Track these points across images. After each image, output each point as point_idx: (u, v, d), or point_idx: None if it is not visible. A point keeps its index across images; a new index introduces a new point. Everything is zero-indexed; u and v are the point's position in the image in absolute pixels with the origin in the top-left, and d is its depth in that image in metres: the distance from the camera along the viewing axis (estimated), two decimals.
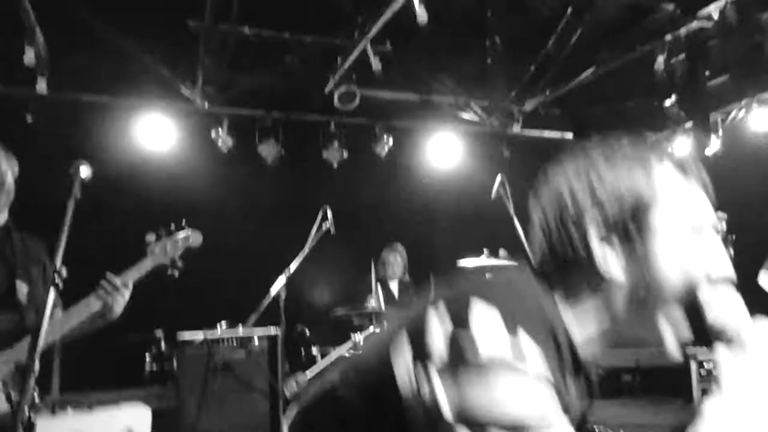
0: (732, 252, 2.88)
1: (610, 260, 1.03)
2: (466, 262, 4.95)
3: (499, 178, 4.45)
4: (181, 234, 2.56)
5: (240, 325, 4.50)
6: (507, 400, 0.88)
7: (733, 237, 2.90)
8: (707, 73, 5.53)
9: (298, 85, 5.80)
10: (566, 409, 0.94)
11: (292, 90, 5.88)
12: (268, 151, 5.78)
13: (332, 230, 4.20)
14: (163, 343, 4.74)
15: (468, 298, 0.96)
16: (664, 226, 1.03)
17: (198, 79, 5.36)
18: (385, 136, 6.19)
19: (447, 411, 0.89)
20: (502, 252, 4.82)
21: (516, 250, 4.37)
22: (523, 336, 0.92)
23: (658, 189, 1.04)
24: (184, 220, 2.60)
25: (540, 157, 7.14)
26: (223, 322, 4.49)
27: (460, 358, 0.90)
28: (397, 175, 6.42)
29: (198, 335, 4.32)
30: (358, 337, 4.15)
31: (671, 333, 1.05)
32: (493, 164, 5.88)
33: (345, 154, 6.07)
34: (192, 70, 5.34)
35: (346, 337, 4.25)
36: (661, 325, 1.05)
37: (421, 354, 0.94)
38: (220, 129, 5.68)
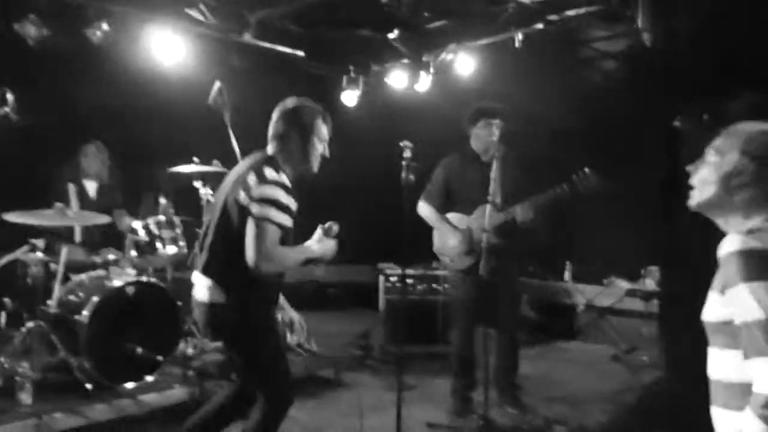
0: (412, 177, 3.20)
1: None
2: (178, 168, 4.73)
3: (217, 84, 4.27)
4: None
5: None
6: None
7: (415, 164, 3.21)
8: (427, 14, 5.93)
9: None
10: None
11: None
12: None
13: (14, 117, 3.60)
14: None
15: None
16: None
17: None
18: (99, 20, 5.44)
19: None
20: (215, 162, 4.70)
21: (229, 160, 4.26)
22: None
23: None
24: None
25: (269, 70, 7.05)
26: None
27: None
28: (110, 66, 5.74)
29: None
30: (38, 241, 3.70)
31: None
32: (218, 70, 5.58)
33: (45, 33, 5.20)
34: None
35: (23, 242, 3.76)
36: None
37: None
38: None
